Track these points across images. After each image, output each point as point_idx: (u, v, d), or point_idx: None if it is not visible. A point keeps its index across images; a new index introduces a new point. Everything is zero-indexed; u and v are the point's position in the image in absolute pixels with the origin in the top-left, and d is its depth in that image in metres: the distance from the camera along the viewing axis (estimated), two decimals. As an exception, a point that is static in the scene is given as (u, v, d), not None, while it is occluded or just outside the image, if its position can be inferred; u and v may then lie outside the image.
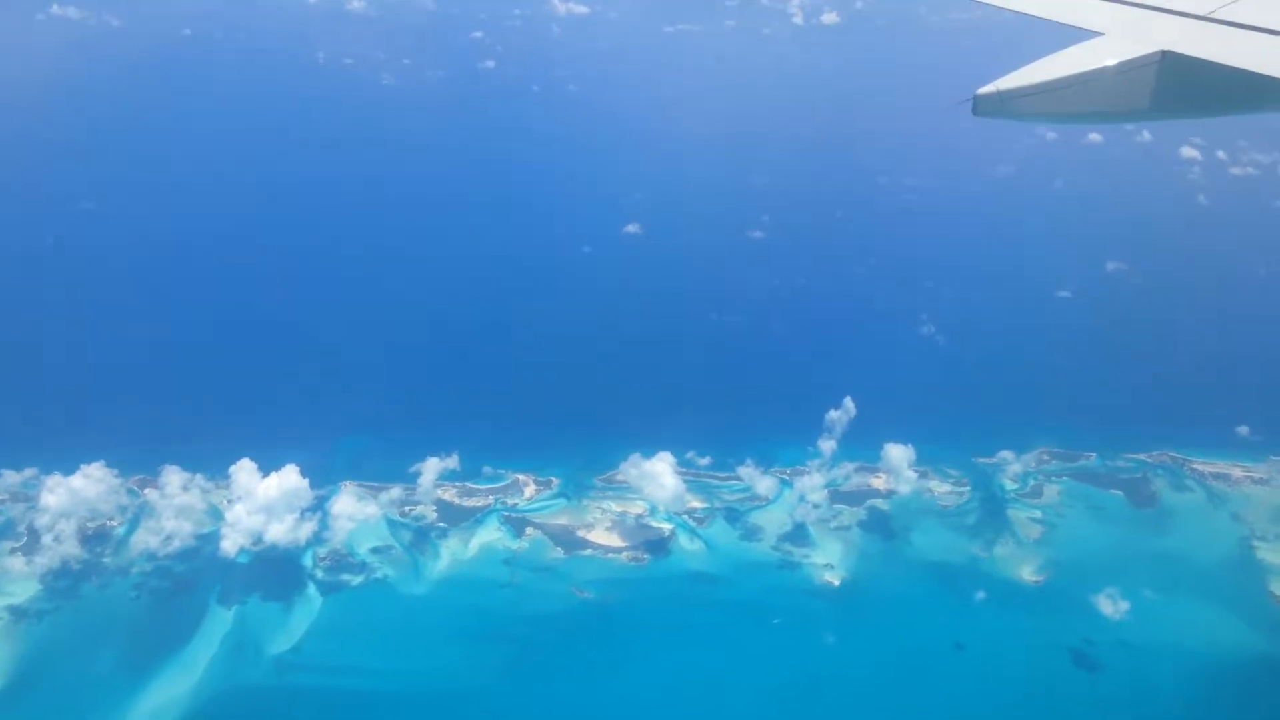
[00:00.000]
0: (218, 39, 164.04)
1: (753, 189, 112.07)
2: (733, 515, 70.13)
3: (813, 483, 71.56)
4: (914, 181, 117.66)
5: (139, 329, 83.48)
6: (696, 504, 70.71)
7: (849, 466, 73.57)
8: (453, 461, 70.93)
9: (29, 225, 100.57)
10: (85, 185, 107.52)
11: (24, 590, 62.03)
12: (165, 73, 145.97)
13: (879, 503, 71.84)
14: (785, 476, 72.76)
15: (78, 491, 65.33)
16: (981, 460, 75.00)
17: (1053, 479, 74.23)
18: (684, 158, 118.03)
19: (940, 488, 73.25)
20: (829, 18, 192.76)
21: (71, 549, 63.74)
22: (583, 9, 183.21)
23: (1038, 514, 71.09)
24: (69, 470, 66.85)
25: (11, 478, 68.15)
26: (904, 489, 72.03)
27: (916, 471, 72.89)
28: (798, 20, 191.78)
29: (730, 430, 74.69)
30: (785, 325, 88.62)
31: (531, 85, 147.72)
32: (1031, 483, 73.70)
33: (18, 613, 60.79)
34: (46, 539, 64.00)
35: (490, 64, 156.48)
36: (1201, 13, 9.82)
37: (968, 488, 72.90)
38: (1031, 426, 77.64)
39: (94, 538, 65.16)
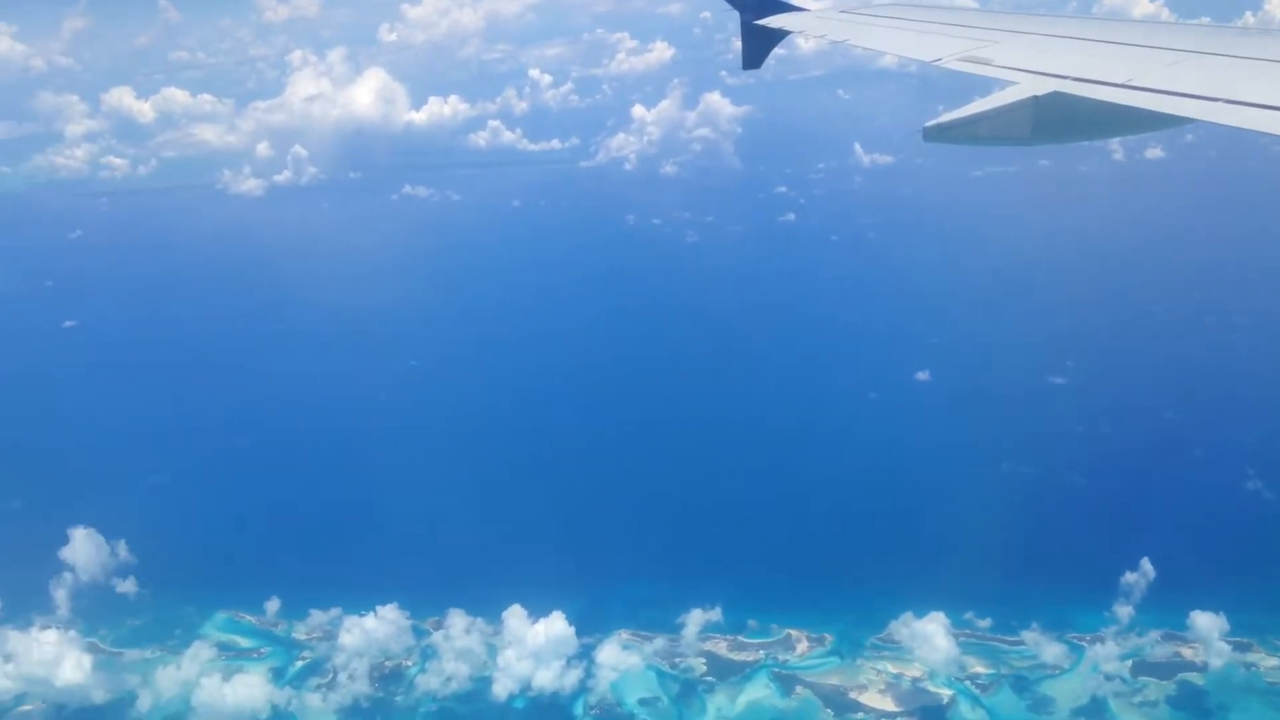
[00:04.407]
0: (542, 207, 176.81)
1: (1057, 332, 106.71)
2: (1020, 684, 65.04)
3: (1110, 651, 65.27)
4: (1241, 321, 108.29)
5: (446, 477, 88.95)
6: (980, 669, 66.24)
7: (1154, 634, 66.74)
8: (716, 614, 70.26)
9: (359, 380, 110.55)
10: (412, 343, 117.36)
11: (322, 726, 66.49)
12: (497, 239, 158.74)
13: (1192, 677, 64.57)
14: (1077, 642, 66.97)
15: (370, 632, 69.61)
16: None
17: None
18: (985, 302, 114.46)
19: (1267, 661, 65.03)
20: (1153, 153, 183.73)
21: (363, 687, 67.72)
22: (887, 158, 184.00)
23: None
24: (366, 610, 71.47)
25: (319, 617, 73.67)
26: (1217, 661, 64.34)
27: (1230, 643, 65.02)
28: (1118, 157, 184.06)
29: (1015, 590, 69.78)
30: (1083, 477, 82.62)
31: (830, 235, 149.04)
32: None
33: (315, 748, 65.11)
34: (342, 677, 68.42)
35: (791, 217, 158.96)
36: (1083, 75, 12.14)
37: (1297, 663, 64.34)
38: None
39: (388, 677, 69.05)
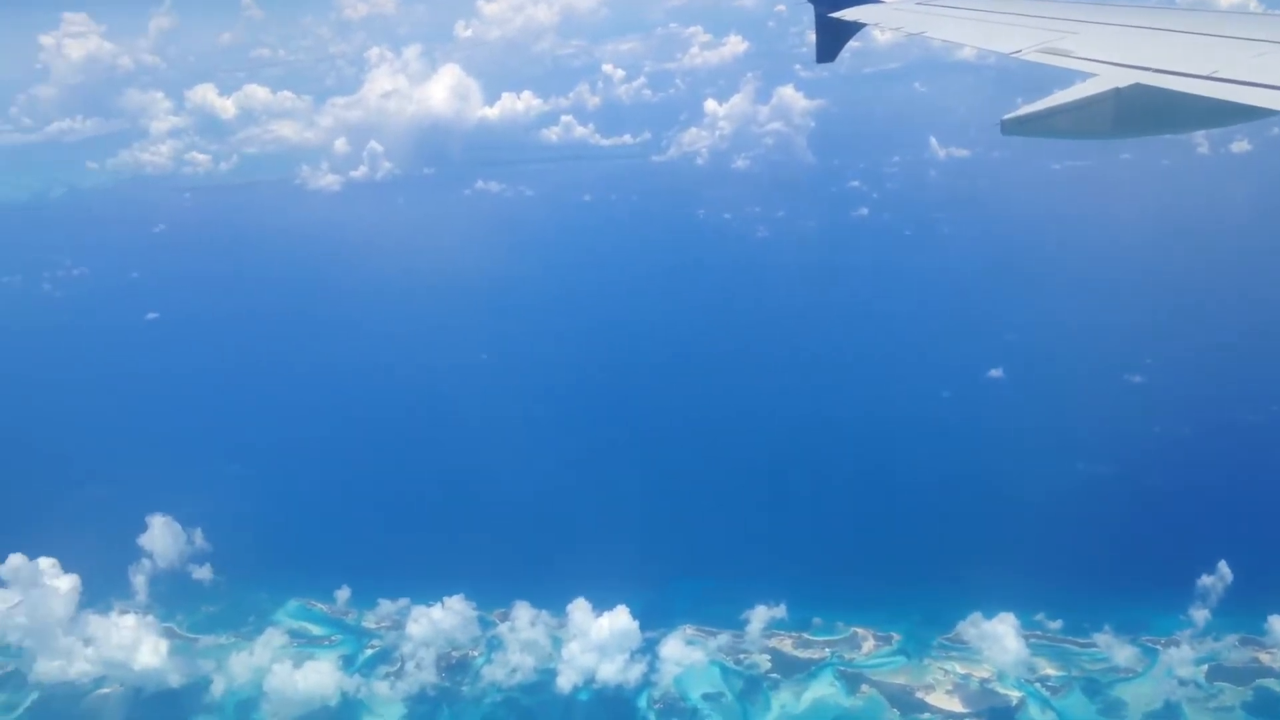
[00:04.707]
0: (613, 202, 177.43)
1: (1136, 330, 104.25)
2: (1092, 687, 63.82)
3: (1184, 655, 63.71)
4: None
5: (513, 471, 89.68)
6: (1050, 671, 65.09)
7: (1230, 639, 65.01)
8: (780, 611, 69.89)
9: (430, 373, 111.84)
10: (482, 337, 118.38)
11: (391, 713, 67.30)
12: (568, 234, 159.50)
13: (1269, 682, 62.79)
14: (1151, 646, 65.49)
15: (438, 622, 70.44)
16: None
17: None
18: (1061, 298, 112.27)
19: (1349, 668, 63.13)
20: (1239, 146, 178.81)
21: (430, 676, 68.52)
22: (964, 152, 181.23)
23: None
24: (434, 601, 72.30)
25: (388, 607, 74.70)
26: (1296, 667, 62.64)
27: (1310, 648, 63.23)
28: (1203, 150, 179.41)
29: (1087, 592, 68.46)
30: (1160, 478, 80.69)
31: (904, 230, 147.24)
32: None
33: (384, 736, 66.08)
34: (410, 666, 69.29)
35: (863, 211, 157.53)
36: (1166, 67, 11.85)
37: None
38: None
39: (454, 667, 69.80)
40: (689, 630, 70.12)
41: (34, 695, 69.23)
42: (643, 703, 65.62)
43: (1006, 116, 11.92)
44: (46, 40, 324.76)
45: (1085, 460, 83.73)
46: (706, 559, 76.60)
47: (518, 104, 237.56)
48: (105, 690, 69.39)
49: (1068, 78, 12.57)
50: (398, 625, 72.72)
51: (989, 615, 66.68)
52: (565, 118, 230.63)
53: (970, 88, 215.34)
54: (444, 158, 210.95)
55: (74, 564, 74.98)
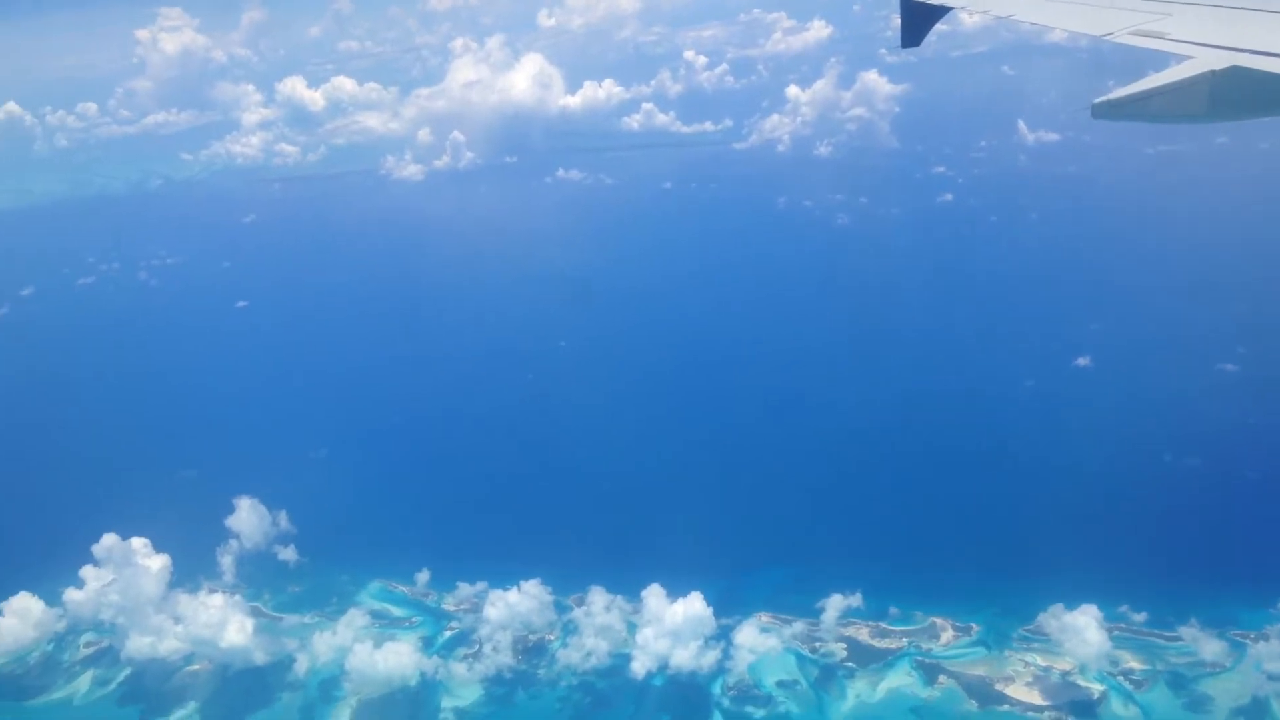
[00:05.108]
0: (692, 189, 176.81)
1: (1230, 318, 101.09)
2: (1177, 681, 62.20)
3: (1274, 650, 61.63)
4: None
5: (590, 457, 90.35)
6: (1134, 665, 63.65)
7: (1326, 634, 63.09)
8: (857, 599, 69.33)
9: (510, 360, 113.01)
10: (561, 324, 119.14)
11: (468, 694, 68.18)
12: (647, 222, 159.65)
13: (1366, 681, 60.85)
14: (1240, 640, 63.61)
15: (514, 605, 71.17)
16: None
17: None
18: (1153, 285, 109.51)
19: None
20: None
21: (507, 659, 69.31)
22: (1054, 136, 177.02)
23: None
24: (511, 584, 73.05)
25: (466, 590, 75.72)
26: (1396, 665, 60.45)
27: None
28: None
29: (1173, 584, 66.75)
30: (1252, 469, 78.24)
31: (990, 216, 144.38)
32: None
33: (461, 714, 66.87)
34: (487, 648, 70.15)
35: (948, 197, 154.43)
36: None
37: None
38: None
39: (530, 650, 70.53)
40: (764, 618, 69.87)
41: (127, 671, 71.52)
42: (717, 689, 65.55)
43: (1098, 100, 11.82)
44: (142, 35, 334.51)
45: (1174, 451, 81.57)
46: (782, 547, 76.23)
47: (599, 92, 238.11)
48: (194, 667, 71.47)
49: (1161, 60, 12.30)
50: (475, 608, 73.63)
51: (1071, 607, 65.15)
52: (646, 105, 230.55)
53: (1061, 71, 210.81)
54: (525, 147, 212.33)
55: (165, 544, 77.22)
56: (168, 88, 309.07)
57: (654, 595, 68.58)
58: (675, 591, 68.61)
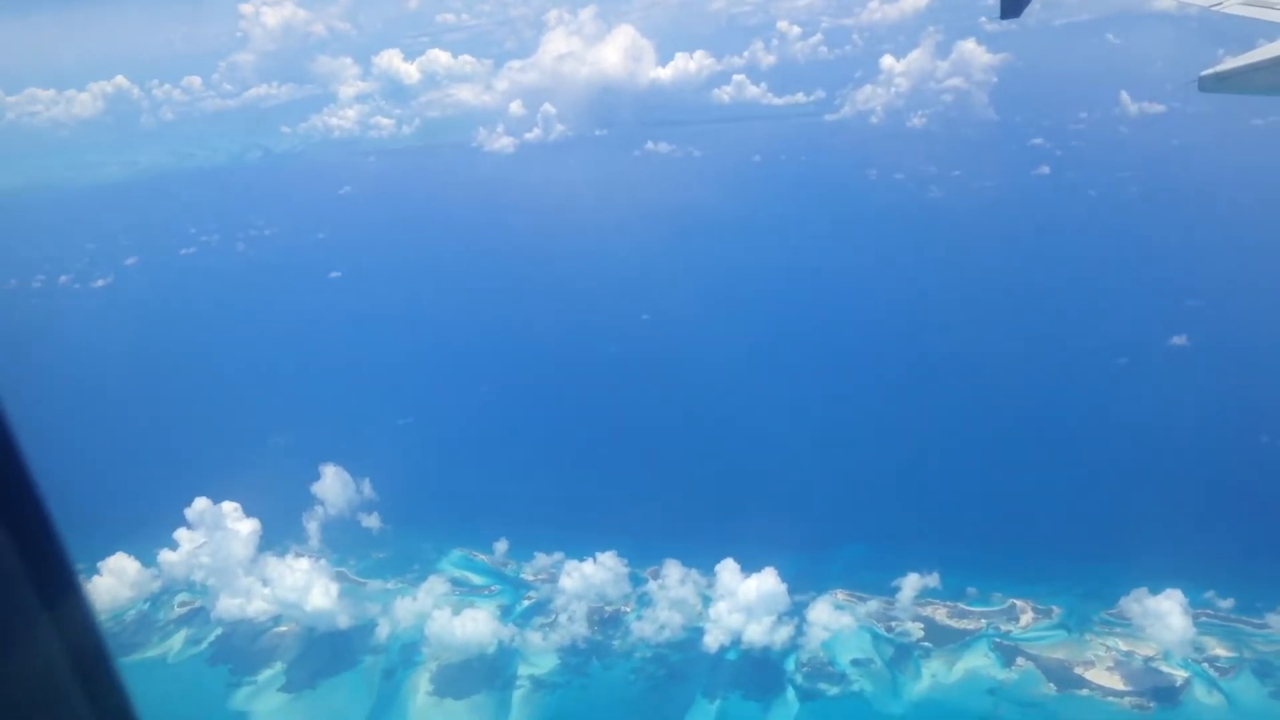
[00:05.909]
0: (782, 162, 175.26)
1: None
2: (1264, 669, 60.73)
3: (1369, 641, 60.04)
4: None
5: (668, 428, 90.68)
6: (1220, 652, 62.14)
7: None
8: (934, 579, 68.54)
9: (596, 329, 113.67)
10: (647, 297, 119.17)
11: (544, 663, 69.16)
12: (735, 195, 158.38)
13: None
14: (1331, 629, 61.75)
15: (589, 577, 71.84)
16: None
17: None
18: (1254, 263, 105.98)
19: None
20: None
21: (582, 629, 70.08)
22: (1158, 107, 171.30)
23: None
24: (588, 555, 73.73)
25: (544, 560, 76.61)
26: None
27: None
28: None
29: (1263, 570, 64.81)
30: (1354, 455, 75.80)
31: (1088, 190, 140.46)
32: None
33: (537, 683, 67.88)
34: (563, 618, 70.98)
35: (1045, 170, 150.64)
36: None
37: None
38: None
39: (606, 621, 71.23)
40: (839, 595, 69.63)
41: (217, 630, 73.91)
42: (790, 665, 65.61)
43: (1205, 72, 11.73)
44: (246, 9, 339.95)
45: (1271, 434, 79.10)
46: (859, 524, 75.72)
47: (690, 64, 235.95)
48: (281, 628, 73.58)
49: (1273, 32, 11.96)
50: (552, 578, 74.43)
51: (1155, 591, 63.81)
52: (738, 77, 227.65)
53: (1168, 41, 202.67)
54: (616, 119, 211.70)
55: (254, 509, 79.29)
56: (269, 61, 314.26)
57: (728, 570, 68.60)
58: (749, 567, 68.59)
